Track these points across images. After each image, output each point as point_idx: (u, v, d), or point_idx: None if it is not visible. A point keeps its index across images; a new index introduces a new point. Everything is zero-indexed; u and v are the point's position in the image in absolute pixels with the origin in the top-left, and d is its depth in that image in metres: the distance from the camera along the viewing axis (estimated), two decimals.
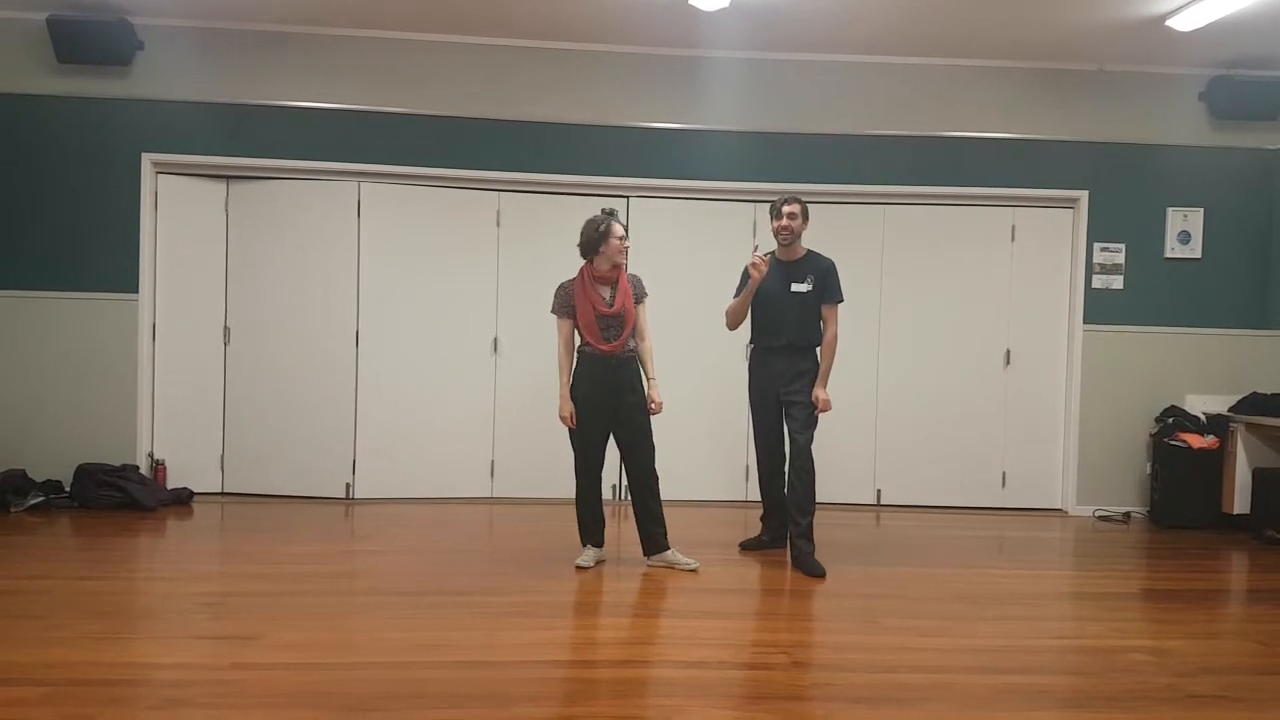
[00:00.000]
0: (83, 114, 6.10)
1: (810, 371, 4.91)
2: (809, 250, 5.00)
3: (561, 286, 4.74)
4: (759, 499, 5.29)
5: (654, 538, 4.77)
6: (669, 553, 4.77)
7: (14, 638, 3.50)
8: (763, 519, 5.27)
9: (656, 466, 4.76)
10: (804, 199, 5.01)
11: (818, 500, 4.92)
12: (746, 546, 5.23)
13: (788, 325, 4.90)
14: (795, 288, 4.89)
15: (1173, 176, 6.60)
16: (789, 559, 4.95)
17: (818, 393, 4.85)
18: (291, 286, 6.35)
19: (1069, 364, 6.67)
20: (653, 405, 4.74)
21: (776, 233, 4.93)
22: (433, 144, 6.33)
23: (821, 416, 4.92)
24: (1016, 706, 3.09)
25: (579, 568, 4.70)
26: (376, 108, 6.28)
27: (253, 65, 6.21)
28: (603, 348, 4.61)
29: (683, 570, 4.71)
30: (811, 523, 4.85)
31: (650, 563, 4.78)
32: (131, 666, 3.28)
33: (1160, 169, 6.59)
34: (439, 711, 2.93)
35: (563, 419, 4.69)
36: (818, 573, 4.69)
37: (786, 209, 4.89)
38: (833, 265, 4.96)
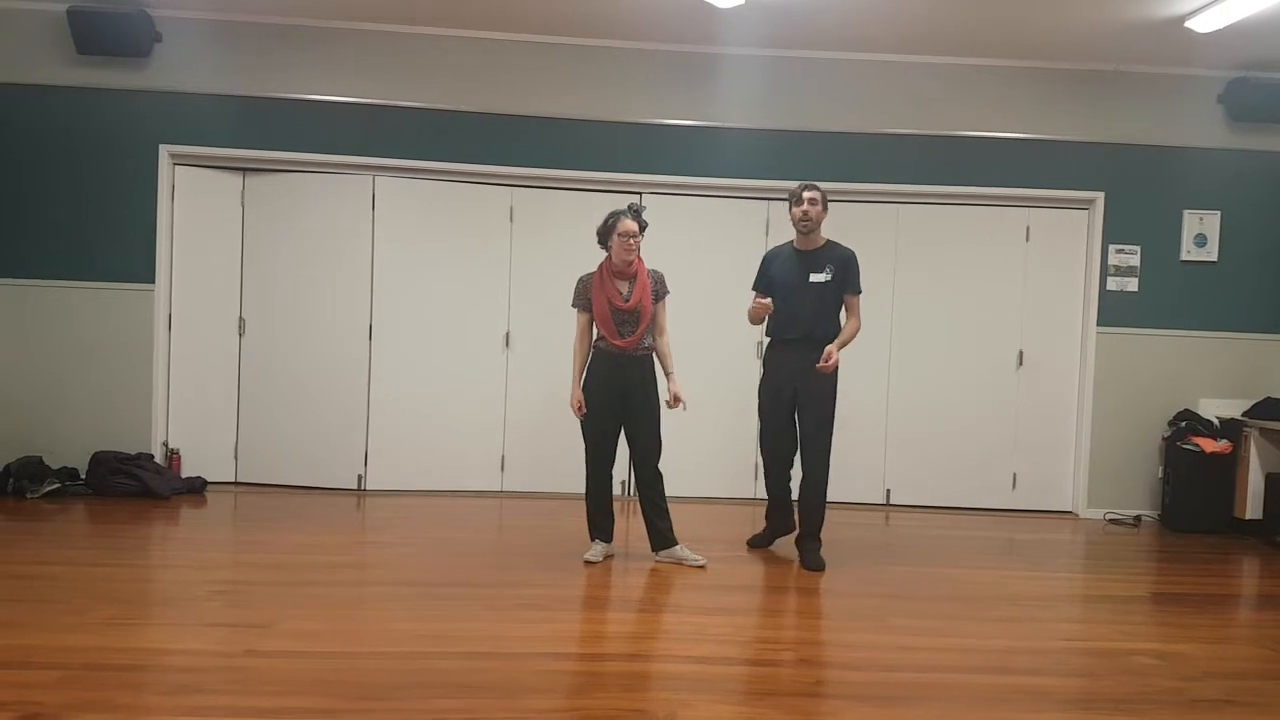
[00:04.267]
0: (101, 105, 6.15)
1: (831, 377, 4.80)
2: (828, 240, 4.91)
3: (581, 279, 4.74)
4: (759, 497, 5.26)
5: (661, 533, 4.80)
6: (677, 548, 4.79)
7: (29, 622, 3.54)
8: (767, 515, 5.24)
9: (660, 466, 4.79)
10: (822, 188, 4.93)
11: (827, 499, 4.93)
12: (754, 544, 5.23)
13: (804, 317, 4.80)
14: (814, 278, 4.80)
15: (1190, 179, 6.56)
16: (797, 556, 4.95)
17: (830, 348, 4.67)
18: (306, 279, 6.39)
19: (1082, 366, 6.65)
20: (672, 400, 4.72)
21: (796, 221, 4.82)
22: (447, 139, 6.35)
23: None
24: (1022, 707, 3.09)
25: (587, 562, 4.72)
26: (392, 102, 6.31)
27: (270, 59, 6.25)
28: (617, 343, 4.63)
29: (690, 566, 4.74)
30: (820, 527, 4.88)
31: (658, 558, 4.81)
32: (145, 652, 3.32)
33: (1177, 171, 6.56)
34: (447, 701, 2.96)
35: (572, 408, 4.71)
36: (818, 567, 4.74)
37: (807, 195, 4.78)
38: (853, 255, 4.86)
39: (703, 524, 5.66)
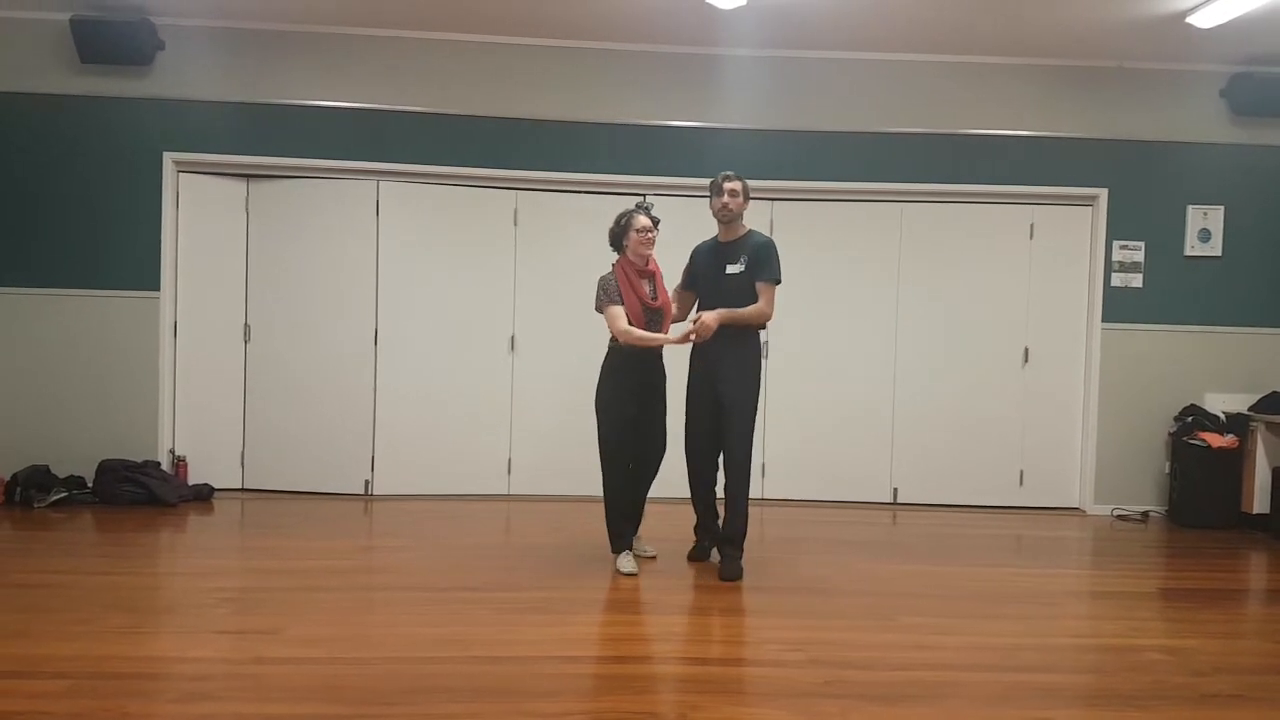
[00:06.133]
0: (105, 113, 6.16)
1: (750, 358, 4.68)
2: (749, 230, 4.78)
3: (605, 279, 4.63)
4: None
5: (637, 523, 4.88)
6: (636, 539, 4.88)
7: (38, 631, 3.55)
8: (696, 529, 4.95)
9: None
10: (745, 179, 4.75)
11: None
12: (693, 558, 4.91)
13: (722, 309, 4.60)
14: (730, 269, 4.66)
15: (1193, 174, 6.54)
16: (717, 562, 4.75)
17: (708, 315, 4.53)
18: (311, 285, 6.40)
19: (1088, 362, 6.64)
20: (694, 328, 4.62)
21: (717, 212, 4.71)
22: (451, 143, 6.36)
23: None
24: (1032, 705, 3.09)
25: (626, 575, 4.56)
26: (395, 107, 6.31)
27: (273, 65, 6.25)
28: None
29: (644, 557, 4.84)
30: (743, 534, 4.68)
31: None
32: (153, 660, 3.33)
33: (1180, 166, 6.54)
34: (457, 706, 2.96)
35: (688, 334, 4.56)
36: (736, 576, 4.56)
37: (727, 186, 4.65)
38: (769, 243, 4.71)
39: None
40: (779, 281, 4.70)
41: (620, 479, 4.65)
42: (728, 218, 4.71)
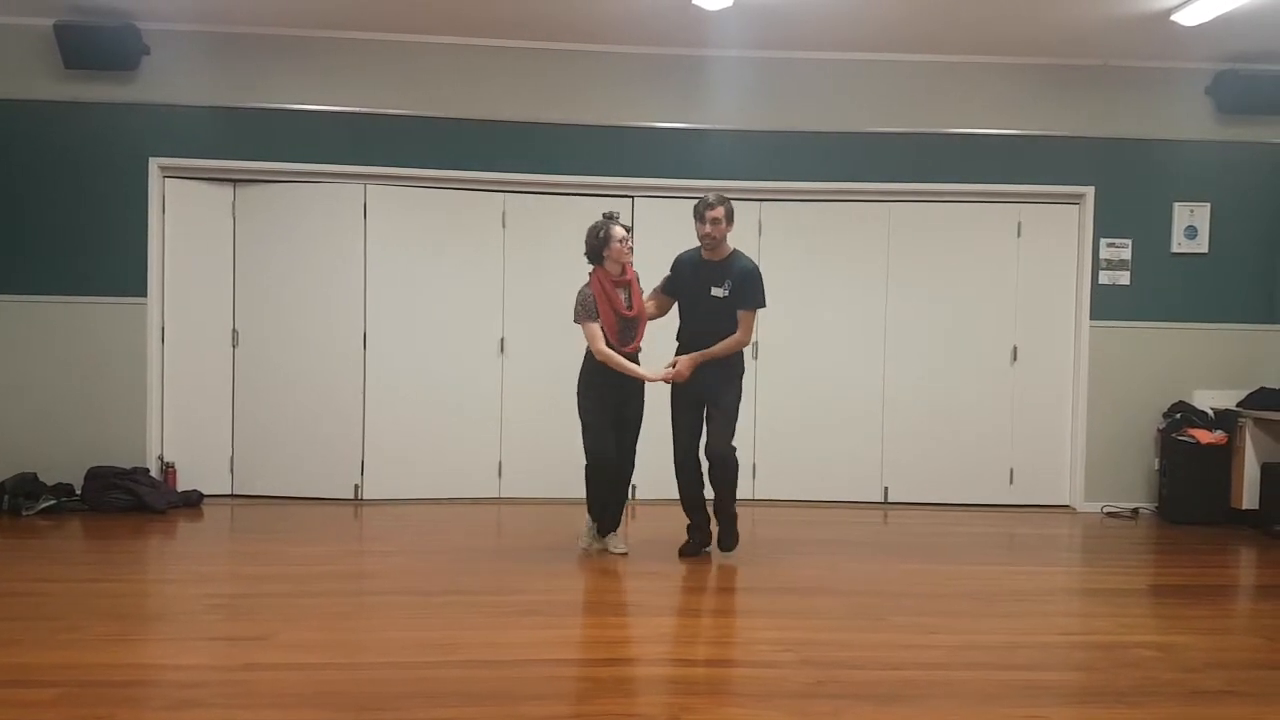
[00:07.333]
0: (90, 119, 6.12)
1: (736, 370, 4.83)
2: (734, 250, 4.86)
3: (582, 292, 4.73)
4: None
5: (615, 519, 4.97)
6: (613, 536, 4.98)
7: (27, 639, 3.52)
8: (689, 528, 5.01)
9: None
10: (729, 199, 4.82)
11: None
12: (685, 553, 4.96)
13: (708, 331, 4.77)
14: (714, 291, 4.75)
15: (1179, 171, 6.57)
16: (716, 539, 4.97)
17: (682, 360, 4.73)
18: (299, 289, 6.38)
19: (1076, 360, 6.66)
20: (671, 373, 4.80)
21: (701, 238, 4.77)
22: (438, 146, 6.34)
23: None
24: (1024, 702, 3.09)
25: (581, 549, 4.93)
26: (383, 110, 6.30)
27: (259, 69, 6.23)
28: (624, 349, 4.71)
29: (614, 553, 4.92)
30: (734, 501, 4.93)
31: (600, 543, 4.99)
32: (144, 667, 3.32)
33: (1167, 164, 6.57)
34: (449, 710, 2.95)
35: (664, 376, 4.74)
36: (732, 545, 4.90)
37: (710, 214, 4.70)
38: (754, 269, 4.80)
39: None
40: (763, 307, 4.83)
41: (601, 441, 4.74)
42: (712, 245, 4.80)
